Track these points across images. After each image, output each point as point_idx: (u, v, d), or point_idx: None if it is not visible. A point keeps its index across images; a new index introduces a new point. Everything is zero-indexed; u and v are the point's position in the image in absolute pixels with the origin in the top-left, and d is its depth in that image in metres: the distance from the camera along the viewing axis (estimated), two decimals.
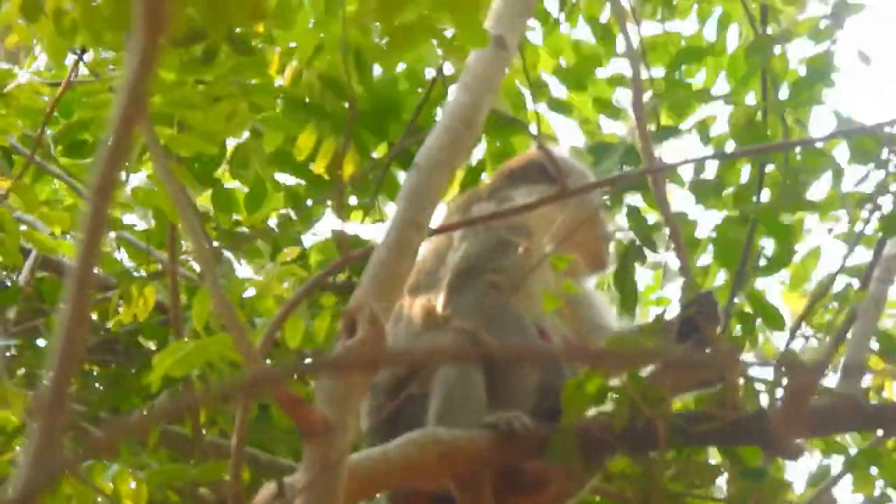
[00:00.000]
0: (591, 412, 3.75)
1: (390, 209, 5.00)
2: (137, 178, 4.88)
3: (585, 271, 4.30)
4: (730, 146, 4.89)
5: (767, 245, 4.71)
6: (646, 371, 3.73)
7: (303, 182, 5.12)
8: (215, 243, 4.98)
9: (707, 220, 4.97)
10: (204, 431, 4.80)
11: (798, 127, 4.75)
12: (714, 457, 4.05)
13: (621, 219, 4.69)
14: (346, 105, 4.79)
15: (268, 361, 3.83)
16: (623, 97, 5.39)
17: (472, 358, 3.78)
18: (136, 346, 4.99)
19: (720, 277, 5.03)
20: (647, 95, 4.69)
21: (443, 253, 4.20)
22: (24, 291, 5.01)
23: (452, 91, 3.86)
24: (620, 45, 5.08)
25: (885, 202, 4.23)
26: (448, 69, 5.01)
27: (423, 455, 3.68)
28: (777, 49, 4.83)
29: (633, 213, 4.65)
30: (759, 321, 4.67)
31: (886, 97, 5.22)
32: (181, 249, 4.85)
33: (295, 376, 4.34)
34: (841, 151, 4.37)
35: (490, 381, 3.91)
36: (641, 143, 4.22)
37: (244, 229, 5.11)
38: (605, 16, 5.37)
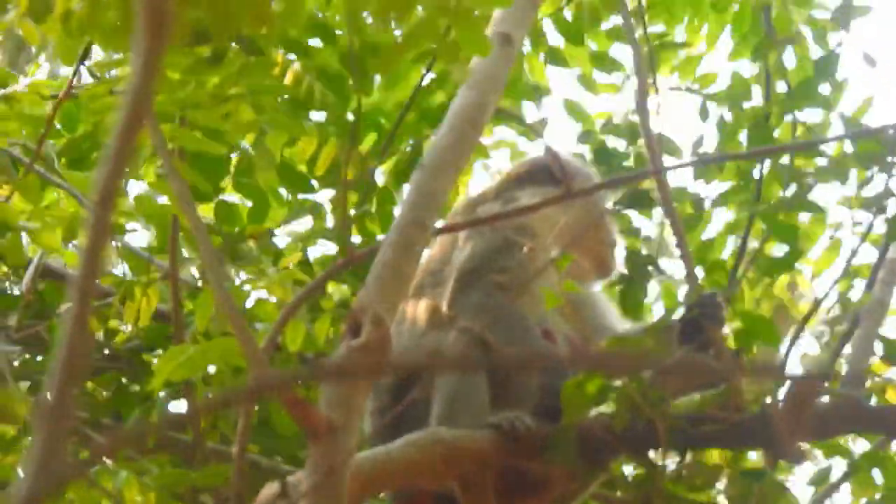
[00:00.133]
0: (593, 412, 3.75)
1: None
2: (139, 187, 4.93)
3: (591, 277, 4.29)
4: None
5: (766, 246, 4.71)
6: (647, 372, 3.73)
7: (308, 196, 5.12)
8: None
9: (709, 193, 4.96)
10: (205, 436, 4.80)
11: (802, 127, 4.75)
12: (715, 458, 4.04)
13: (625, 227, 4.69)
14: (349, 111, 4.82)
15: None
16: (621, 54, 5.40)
17: (476, 367, 3.78)
18: (137, 357, 4.98)
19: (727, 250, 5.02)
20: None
21: (448, 253, 4.20)
22: (25, 299, 5.01)
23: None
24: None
25: (891, 205, 4.22)
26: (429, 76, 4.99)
27: (426, 455, 3.68)
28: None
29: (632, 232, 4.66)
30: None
31: (893, 99, 5.20)
32: (181, 256, 4.83)
33: (299, 382, 4.34)
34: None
35: (492, 381, 3.91)
36: (646, 144, 4.21)
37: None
38: None
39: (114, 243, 5.00)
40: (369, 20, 3.31)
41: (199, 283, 4.93)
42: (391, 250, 3.39)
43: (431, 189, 3.53)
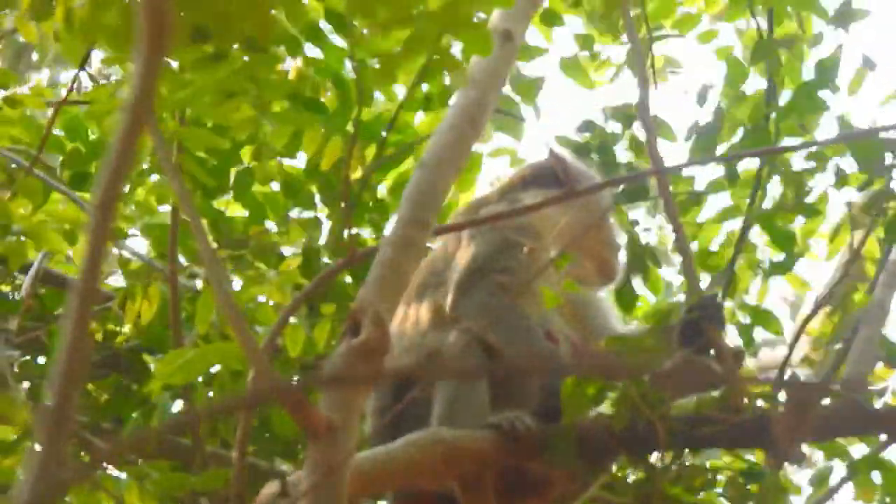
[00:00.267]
0: (593, 413, 3.75)
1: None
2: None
3: (594, 280, 4.28)
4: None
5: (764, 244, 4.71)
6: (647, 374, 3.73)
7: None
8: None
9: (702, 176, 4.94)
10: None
11: (801, 130, 4.74)
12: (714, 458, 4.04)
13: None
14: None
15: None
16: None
17: (477, 376, 3.79)
18: (138, 360, 4.98)
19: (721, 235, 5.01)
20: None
21: (452, 253, 4.20)
22: (25, 303, 5.01)
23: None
24: None
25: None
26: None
27: (426, 455, 3.68)
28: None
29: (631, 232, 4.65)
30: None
31: (891, 102, 5.18)
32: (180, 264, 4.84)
33: (301, 389, 4.33)
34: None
35: (493, 381, 3.91)
36: (649, 151, 4.20)
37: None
38: None
39: (115, 250, 5.00)
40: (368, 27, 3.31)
41: (199, 286, 4.93)
42: (391, 249, 3.39)
43: (431, 187, 3.52)
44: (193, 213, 3.23)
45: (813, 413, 3.63)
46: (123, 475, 4.18)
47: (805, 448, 3.81)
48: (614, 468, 3.95)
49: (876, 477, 4.09)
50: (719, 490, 3.95)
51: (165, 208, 4.87)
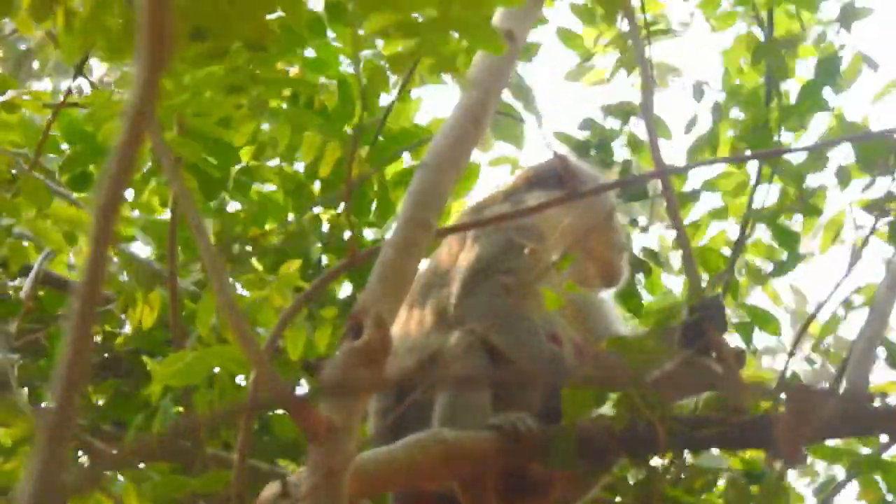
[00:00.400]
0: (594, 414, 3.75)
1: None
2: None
3: (598, 283, 4.27)
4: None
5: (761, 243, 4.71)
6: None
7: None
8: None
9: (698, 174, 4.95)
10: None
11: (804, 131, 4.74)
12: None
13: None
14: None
15: None
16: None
17: (479, 386, 3.79)
18: (138, 363, 4.98)
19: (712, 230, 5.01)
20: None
21: (456, 254, 4.20)
22: (25, 306, 5.00)
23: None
24: None
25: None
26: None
27: (428, 456, 3.68)
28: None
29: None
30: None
31: (884, 98, 5.17)
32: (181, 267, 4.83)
33: (307, 398, 4.33)
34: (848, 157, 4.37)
35: (495, 382, 3.91)
36: (652, 154, 4.19)
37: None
38: None
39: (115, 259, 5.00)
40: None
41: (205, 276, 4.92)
42: (393, 250, 3.39)
43: (433, 188, 3.52)
44: (194, 213, 3.22)
45: (815, 411, 3.63)
46: (122, 477, 4.17)
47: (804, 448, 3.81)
48: (615, 469, 3.95)
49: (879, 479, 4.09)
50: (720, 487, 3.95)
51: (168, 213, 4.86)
